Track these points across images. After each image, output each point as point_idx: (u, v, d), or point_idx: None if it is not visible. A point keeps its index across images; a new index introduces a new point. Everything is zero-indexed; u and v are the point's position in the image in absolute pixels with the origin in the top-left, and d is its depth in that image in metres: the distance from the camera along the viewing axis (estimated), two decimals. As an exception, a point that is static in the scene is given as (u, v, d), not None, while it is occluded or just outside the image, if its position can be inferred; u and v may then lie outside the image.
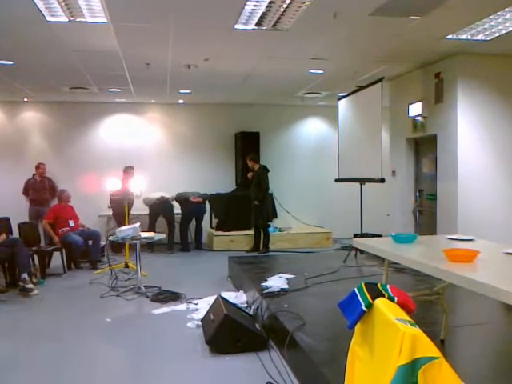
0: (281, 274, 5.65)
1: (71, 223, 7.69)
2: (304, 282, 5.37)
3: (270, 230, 9.36)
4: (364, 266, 6.34)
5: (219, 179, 10.38)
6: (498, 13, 4.80)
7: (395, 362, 1.51)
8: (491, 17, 4.92)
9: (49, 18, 4.83)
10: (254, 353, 3.93)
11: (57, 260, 7.32)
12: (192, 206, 9.27)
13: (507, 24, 5.14)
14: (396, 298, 1.78)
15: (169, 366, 3.83)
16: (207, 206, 9.69)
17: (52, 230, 7.53)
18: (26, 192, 9.18)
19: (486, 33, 5.45)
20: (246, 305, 5.08)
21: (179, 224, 9.32)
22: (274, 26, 5.10)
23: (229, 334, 4.00)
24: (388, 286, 1.86)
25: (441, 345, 3.49)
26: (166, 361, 3.92)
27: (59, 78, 7.69)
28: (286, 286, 5.14)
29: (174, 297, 5.73)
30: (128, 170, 8.60)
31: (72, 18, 4.85)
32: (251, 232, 9.00)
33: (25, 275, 5.99)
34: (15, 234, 7.12)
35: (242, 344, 3.99)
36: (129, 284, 6.35)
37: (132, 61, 6.58)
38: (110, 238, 6.45)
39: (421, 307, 4.05)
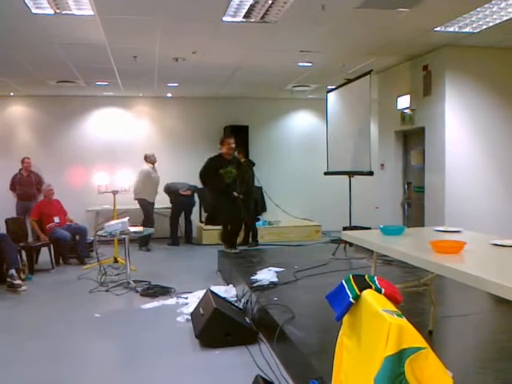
0: (270, 268, 5.65)
1: (56, 219, 7.60)
2: (293, 275, 5.38)
3: (260, 223, 9.37)
4: (353, 259, 6.37)
5: (208, 173, 10.33)
6: (485, 5, 4.81)
7: (382, 353, 1.51)
8: (479, 9, 4.93)
9: (34, 11, 4.76)
10: (244, 346, 3.94)
11: (45, 256, 7.27)
12: (181, 199, 9.24)
13: (494, 16, 5.16)
14: (383, 290, 1.79)
15: (158, 360, 3.83)
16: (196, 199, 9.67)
17: (39, 226, 7.47)
18: (12, 187, 9.08)
19: (474, 25, 5.47)
20: (235, 298, 5.08)
21: (169, 218, 9.30)
22: (262, 18, 5.07)
23: (218, 327, 4.01)
24: (375, 278, 1.87)
25: (429, 336, 3.51)
26: (155, 355, 3.91)
27: (46, 71, 7.61)
28: (276, 280, 5.15)
29: (164, 291, 5.73)
30: None
31: (58, 11, 4.79)
32: (241, 226, 9.00)
33: (12, 271, 5.95)
34: (2, 229, 7.05)
35: (232, 338, 4.00)
36: (118, 279, 6.33)
37: (119, 54, 6.52)
38: (99, 233, 6.42)
39: (409, 298, 4.10)
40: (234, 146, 6.79)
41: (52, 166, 9.63)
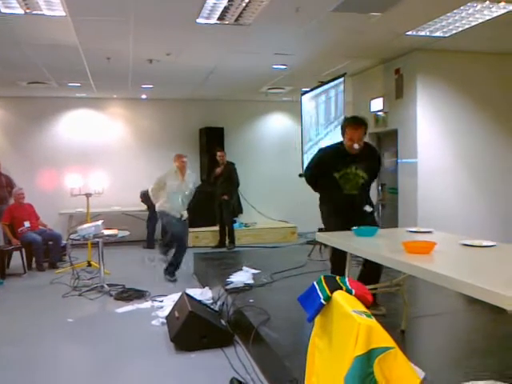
0: (246, 268, 5.66)
1: (27, 224, 7.43)
2: (270, 277, 5.39)
3: (236, 225, 9.37)
4: (329, 260, 6.40)
5: (184, 175, 10.28)
6: (455, 11, 4.91)
7: (352, 353, 1.53)
8: (449, 14, 5.03)
9: (3, 10, 4.65)
10: (220, 349, 3.94)
11: (17, 260, 7.12)
12: None
13: (463, 22, 5.27)
14: (354, 291, 1.81)
15: (134, 364, 3.79)
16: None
17: (10, 230, 7.31)
18: (-17, 190, 8.87)
19: (445, 29, 5.57)
20: (211, 301, 5.07)
21: (146, 221, 9.20)
22: (236, 20, 5.07)
23: (194, 330, 3.99)
24: (346, 279, 1.89)
25: (401, 335, 3.56)
26: (130, 360, 3.87)
27: (16, 72, 7.45)
28: (251, 281, 5.15)
29: (139, 295, 5.67)
30: None
31: (28, 11, 4.69)
32: (216, 228, 8.98)
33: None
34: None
35: (208, 340, 3.99)
36: (91, 283, 6.23)
37: (92, 55, 6.42)
38: (72, 236, 6.31)
39: (382, 299, 4.14)
40: (360, 134, 4.27)
41: (23, 168, 9.42)
